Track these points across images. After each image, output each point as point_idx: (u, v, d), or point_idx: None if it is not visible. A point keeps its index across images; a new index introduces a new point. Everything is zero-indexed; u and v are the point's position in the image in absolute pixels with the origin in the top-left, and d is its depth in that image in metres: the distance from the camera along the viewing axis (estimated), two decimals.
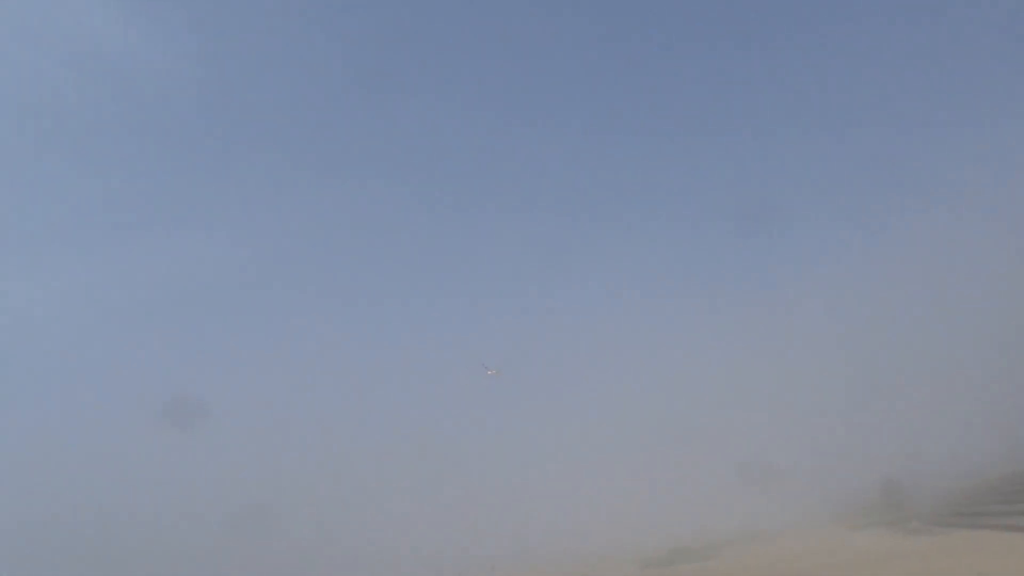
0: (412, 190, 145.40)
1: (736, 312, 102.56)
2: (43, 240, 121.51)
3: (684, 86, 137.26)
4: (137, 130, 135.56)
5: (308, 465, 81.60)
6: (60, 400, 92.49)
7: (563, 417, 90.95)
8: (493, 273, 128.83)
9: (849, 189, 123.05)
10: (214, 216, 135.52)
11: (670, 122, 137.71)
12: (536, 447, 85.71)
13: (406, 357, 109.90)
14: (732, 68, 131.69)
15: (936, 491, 47.59)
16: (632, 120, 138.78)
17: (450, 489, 76.42)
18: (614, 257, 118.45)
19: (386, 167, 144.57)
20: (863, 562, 27.87)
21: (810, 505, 57.48)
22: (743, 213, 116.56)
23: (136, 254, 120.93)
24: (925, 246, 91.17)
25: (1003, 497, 36.69)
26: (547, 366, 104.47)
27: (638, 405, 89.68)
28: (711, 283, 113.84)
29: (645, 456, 76.33)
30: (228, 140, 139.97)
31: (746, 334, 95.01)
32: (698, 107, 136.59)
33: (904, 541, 34.73)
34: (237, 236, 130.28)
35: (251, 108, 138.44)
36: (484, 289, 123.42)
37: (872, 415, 61.29)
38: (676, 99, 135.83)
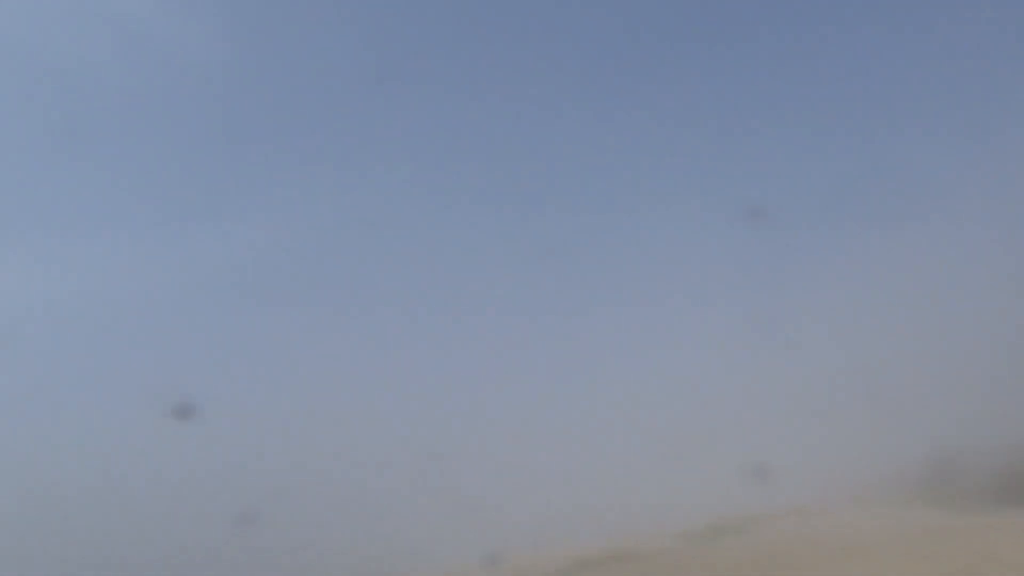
0: (419, 186, 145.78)
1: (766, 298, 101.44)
2: (52, 231, 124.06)
3: (683, 84, 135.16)
4: (150, 118, 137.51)
5: (313, 457, 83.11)
6: (65, 393, 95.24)
7: (595, 396, 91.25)
8: (498, 270, 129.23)
9: (851, 189, 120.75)
10: (229, 210, 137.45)
11: (670, 121, 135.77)
12: (563, 428, 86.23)
13: (419, 349, 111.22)
14: (732, 67, 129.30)
15: (986, 469, 46.51)
16: (632, 119, 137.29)
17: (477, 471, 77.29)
18: (618, 254, 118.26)
19: (402, 162, 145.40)
20: (909, 538, 27.37)
21: (855, 480, 56.70)
22: (746, 211, 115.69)
23: (144, 247, 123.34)
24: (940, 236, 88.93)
25: None
26: (565, 353, 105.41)
27: (673, 382, 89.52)
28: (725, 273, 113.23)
29: (681, 429, 76.03)
30: (247, 132, 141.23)
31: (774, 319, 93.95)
32: (698, 105, 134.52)
33: (952, 518, 34.08)
34: (252, 231, 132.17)
35: (272, 100, 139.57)
36: (489, 286, 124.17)
37: (921, 389, 59.89)
38: (676, 98, 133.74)
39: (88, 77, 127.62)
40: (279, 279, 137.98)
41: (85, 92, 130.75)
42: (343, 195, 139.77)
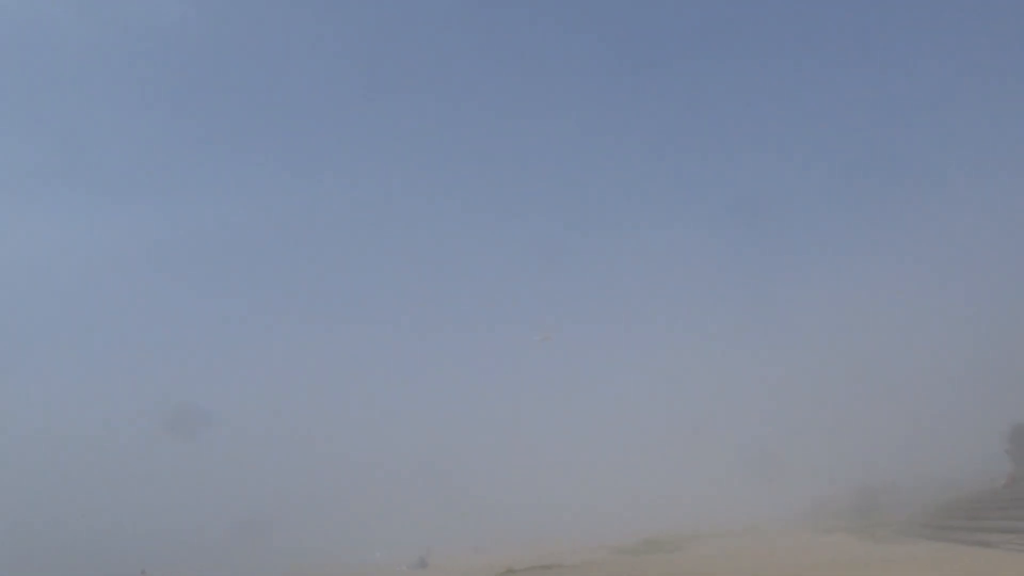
0: (419, 186, 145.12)
1: (725, 316, 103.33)
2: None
3: (683, 82, 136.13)
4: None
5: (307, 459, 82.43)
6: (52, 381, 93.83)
7: (545, 410, 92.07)
8: (500, 270, 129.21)
9: (848, 186, 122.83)
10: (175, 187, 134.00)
11: (670, 119, 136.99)
12: (519, 439, 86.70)
13: (409, 350, 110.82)
14: (731, 65, 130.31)
15: (909, 502, 48.02)
16: (632, 117, 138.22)
17: (434, 477, 77.29)
18: (614, 256, 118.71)
19: (394, 160, 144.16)
20: (824, 565, 28.05)
21: (784, 506, 58.04)
22: (746, 209, 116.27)
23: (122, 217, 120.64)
24: (903, 269, 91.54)
25: (971, 512, 36.94)
26: (532, 364, 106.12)
27: (618, 402, 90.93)
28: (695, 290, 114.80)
29: (625, 450, 77.19)
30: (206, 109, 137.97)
31: (737, 336, 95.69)
32: (697, 103, 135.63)
33: (870, 548, 34.99)
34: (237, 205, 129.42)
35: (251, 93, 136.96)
36: (490, 287, 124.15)
37: (854, 421, 61.64)
38: (675, 96, 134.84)
39: (47, 37, 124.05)
40: (225, 257, 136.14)
41: (40, 53, 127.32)
42: (306, 181, 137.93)
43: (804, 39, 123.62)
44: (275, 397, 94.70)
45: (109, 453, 79.33)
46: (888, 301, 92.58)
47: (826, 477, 58.85)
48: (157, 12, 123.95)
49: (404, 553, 60.24)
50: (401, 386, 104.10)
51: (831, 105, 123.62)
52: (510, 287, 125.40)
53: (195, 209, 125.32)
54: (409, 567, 56.12)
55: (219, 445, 78.91)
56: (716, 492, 65.14)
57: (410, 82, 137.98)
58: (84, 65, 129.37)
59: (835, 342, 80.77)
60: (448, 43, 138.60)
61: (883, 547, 33.98)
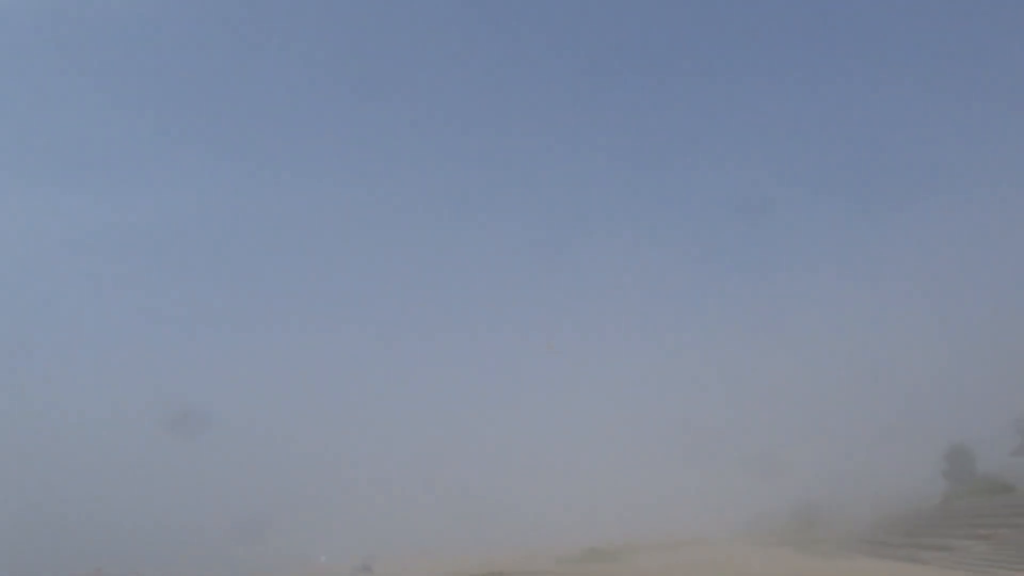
0: (417, 185, 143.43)
1: (675, 328, 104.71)
2: None
3: (681, 75, 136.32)
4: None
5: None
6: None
7: (499, 415, 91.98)
8: (492, 271, 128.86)
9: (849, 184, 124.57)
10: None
11: (669, 115, 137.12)
12: (476, 443, 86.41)
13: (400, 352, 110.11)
14: (730, 61, 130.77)
15: (849, 517, 48.83)
16: (631, 115, 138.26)
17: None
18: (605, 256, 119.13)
19: (393, 160, 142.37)
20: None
21: (728, 518, 58.60)
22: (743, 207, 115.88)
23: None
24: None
25: (907, 529, 37.69)
26: (485, 369, 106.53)
27: (569, 409, 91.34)
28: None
29: (576, 456, 77.22)
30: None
31: (687, 350, 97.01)
32: (696, 101, 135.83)
33: (809, 562, 35.36)
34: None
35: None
36: (485, 285, 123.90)
37: (799, 436, 62.65)
38: (674, 92, 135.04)
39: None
40: (222, 255, 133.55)
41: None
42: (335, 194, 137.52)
43: (804, 39, 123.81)
44: (249, 399, 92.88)
45: (94, 453, 77.55)
46: (836, 322, 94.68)
47: (770, 491, 59.57)
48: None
49: (350, 556, 59.29)
50: (355, 389, 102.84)
51: (834, 104, 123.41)
52: (491, 289, 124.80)
53: (188, 202, 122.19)
54: (353, 571, 55.13)
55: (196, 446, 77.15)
56: (662, 502, 65.56)
57: (410, 80, 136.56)
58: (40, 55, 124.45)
59: (781, 362, 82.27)
60: (444, 38, 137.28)
61: (822, 562, 34.38)
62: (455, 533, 70.50)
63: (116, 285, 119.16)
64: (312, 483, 78.20)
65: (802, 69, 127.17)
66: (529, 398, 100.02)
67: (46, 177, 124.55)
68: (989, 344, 69.07)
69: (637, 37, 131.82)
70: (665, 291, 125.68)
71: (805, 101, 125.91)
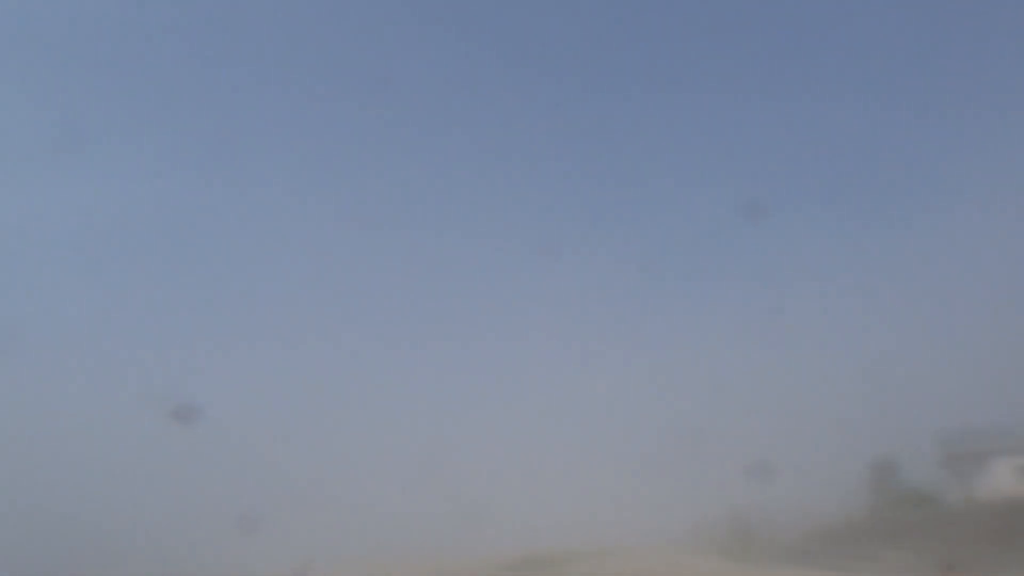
0: (416, 186, 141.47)
1: (614, 330, 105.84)
2: None
3: (681, 73, 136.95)
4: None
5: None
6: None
7: (444, 416, 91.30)
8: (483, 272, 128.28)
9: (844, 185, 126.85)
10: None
11: (668, 112, 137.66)
12: (418, 445, 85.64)
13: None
14: (730, 57, 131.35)
15: (781, 527, 50.00)
16: (630, 113, 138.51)
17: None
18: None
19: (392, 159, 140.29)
20: None
21: (664, 526, 59.26)
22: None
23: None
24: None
25: (835, 540, 38.78)
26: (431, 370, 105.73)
27: (508, 410, 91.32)
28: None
29: (515, 459, 77.10)
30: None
31: (626, 353, 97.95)
32: (696, 98, 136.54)
33: (741, 571, 35.95)
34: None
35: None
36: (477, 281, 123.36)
37: (733, 446, 63.80)
38: (673, 89, 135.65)
39: None
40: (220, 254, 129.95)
41: None
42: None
43: (802, 41, 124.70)
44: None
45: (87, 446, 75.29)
46: (769, 332, 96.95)
47: (705, 500, 60.57)
48: None
49: (289, 561, 58.15)
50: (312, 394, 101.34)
51: (833, 106, 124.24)
52: (465, 291, 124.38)
53: (186, 194, 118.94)
54: (290, 573, 53.94)
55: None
56: (603, 509, 65.96)
57: (407, 81, 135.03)
58: None
59: (715, 370, 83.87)
60: (444, 38, 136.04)
61: (753, 571, 34.98)
62: (401, 539, 69.85)
63: (107, 276, 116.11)
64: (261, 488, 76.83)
65: (802, 76, 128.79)
66: (478, 403, 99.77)
67: (35, 165, 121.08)
68: (918, 358, 71.79)
69: (637, 38, 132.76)
70: (629, 301, 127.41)
71: (804, 107, 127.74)
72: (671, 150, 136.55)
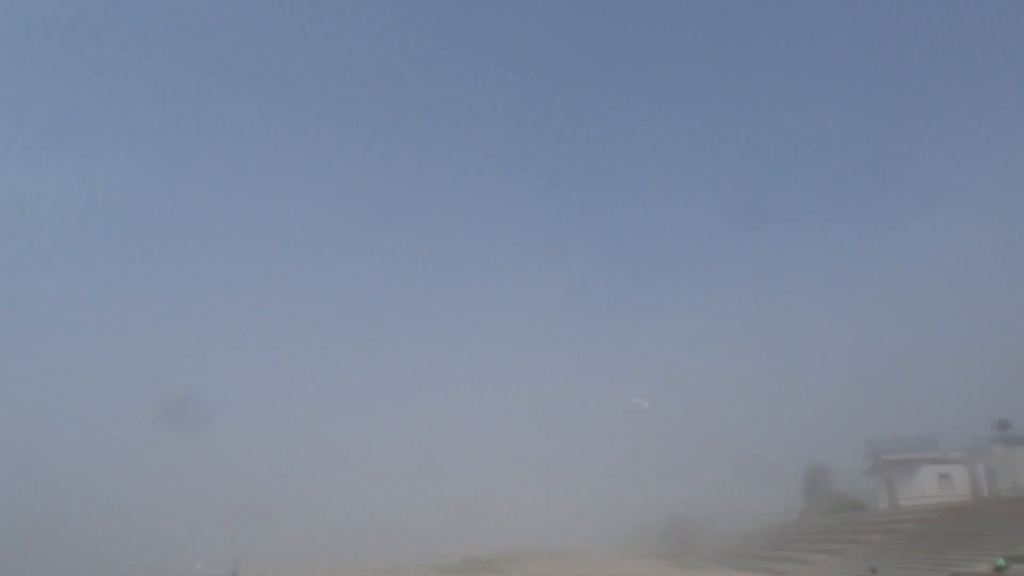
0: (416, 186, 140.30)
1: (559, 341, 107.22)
2: None
3: (682, 80, 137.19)
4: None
5: None
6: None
7: (379, 424, 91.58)
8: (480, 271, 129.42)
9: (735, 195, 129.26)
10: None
11: (668, 113, 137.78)
12: (360, 454, 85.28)
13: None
14: (730, 65, 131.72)
15: (718, 532, 51.32)
16: (630, 111, 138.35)
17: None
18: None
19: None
20: None
21: (607, 530, 60.14)
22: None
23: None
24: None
25: (769, 543, 39.96)
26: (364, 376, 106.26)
27: (452, 418, 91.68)
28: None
29: (459, 466, 77.28)
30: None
31: (573, 365, 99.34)
32: (696, 101, 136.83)
33: (676, 573, 36.70)
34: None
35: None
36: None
37: (674, 455, 65.39)
38: (674, 92, 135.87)
39: None
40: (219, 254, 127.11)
41: None
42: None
43: (803, 42, 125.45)
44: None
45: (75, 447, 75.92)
46: (711, 347, 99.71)
47: (647, 506, 61.76)
48: None
49: (220, 563, 56.90)
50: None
51: (834, 107, 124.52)
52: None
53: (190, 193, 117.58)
54: (222, 573, 52.92)
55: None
56: (549, 514, 66.57)
57: (404, 79, 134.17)
58: None
59: (657, 386, 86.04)
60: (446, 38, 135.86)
61: (689, 573, 35.76)
62: (342, 543, 69.04)
63: (107, 277, 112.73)
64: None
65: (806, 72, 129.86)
66: (420, 407, 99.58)
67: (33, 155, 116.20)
68: (850, 372, 74.62)
69: (638, 44, 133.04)
70: (573, 308, 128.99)
71: (809, 107, 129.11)
72: (670, 153, 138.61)
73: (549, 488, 70.90)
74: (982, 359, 74.34)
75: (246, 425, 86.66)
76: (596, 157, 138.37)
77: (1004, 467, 33.53)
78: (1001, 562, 16.06)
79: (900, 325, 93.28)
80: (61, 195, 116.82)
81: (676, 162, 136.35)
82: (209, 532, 66.65)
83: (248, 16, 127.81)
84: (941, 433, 42.00)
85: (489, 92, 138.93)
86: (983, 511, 28.16)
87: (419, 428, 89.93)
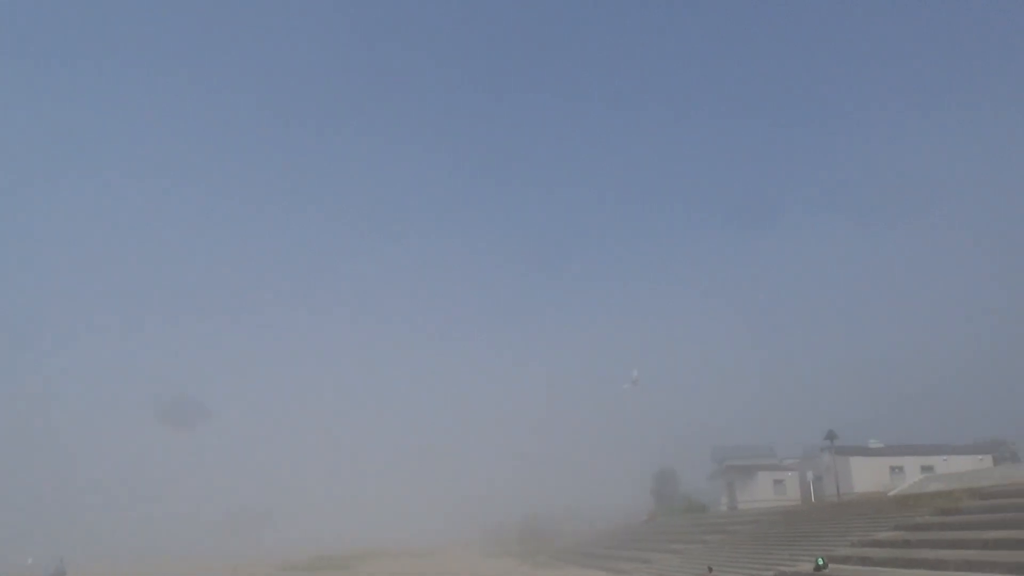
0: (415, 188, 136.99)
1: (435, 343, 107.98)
2: None
3: (681, 81, 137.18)
4: None
5: None
6: None
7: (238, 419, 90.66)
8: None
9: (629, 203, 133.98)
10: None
11: (667, 114, 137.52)
12: (222, 451, 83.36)
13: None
14: (730, 64, 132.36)
15: (568, 531, 52.52)
16: (628, 110, 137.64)
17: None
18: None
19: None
20: None
21: (462, 529, 60.14)
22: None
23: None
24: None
25: (615, 543, 41.16)
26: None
27: (328, 419, 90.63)
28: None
29: (323, 470, 76.37)
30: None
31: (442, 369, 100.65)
32: (695, 104, 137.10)
33: (528, 571, 36.98)
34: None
35: None
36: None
37: (528, 457, 66.93)
38: (674, 96, 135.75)
39: None
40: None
41: None
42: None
43: (803, 43, 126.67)
44: None
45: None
46: (561, 361, 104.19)
47: (500, 505, 62.40)
48: None
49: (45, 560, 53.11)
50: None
51: (834, 110, 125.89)
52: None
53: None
54: (47, 572, 49.17)
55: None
56: (405, 513, 66.13)
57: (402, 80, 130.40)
58: None
59: (514, 391, 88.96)
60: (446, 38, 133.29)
61: (539, 571, 36.11)
62: (194, 541, 66.40)
63: (109, 270, 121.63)
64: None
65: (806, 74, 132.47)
66: (285, 408, 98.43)
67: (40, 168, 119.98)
68: (699, 383, 79.13)
69: (638, 46, 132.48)
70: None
71: (809, 109, 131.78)
72: (669, 156, 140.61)
73: (408, 488, 70.52)
74: (817, 372, 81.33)
75: None
76: (593, 160, 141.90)
77: (830, 474, 36.21)
78: (821, 561, 17.09)
79: (741, 339, 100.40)
80: (61, 197, 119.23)
81: (670, 166, 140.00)
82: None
83: (248, 16, 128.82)
84: (779, 442, 44.71)
85: (490, 97, 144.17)
86: (810, 514, 30.18)
87: (280, 424, 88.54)
